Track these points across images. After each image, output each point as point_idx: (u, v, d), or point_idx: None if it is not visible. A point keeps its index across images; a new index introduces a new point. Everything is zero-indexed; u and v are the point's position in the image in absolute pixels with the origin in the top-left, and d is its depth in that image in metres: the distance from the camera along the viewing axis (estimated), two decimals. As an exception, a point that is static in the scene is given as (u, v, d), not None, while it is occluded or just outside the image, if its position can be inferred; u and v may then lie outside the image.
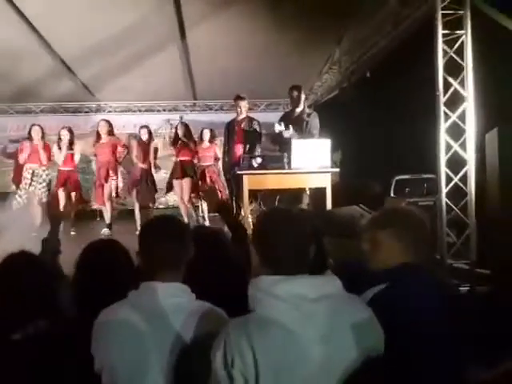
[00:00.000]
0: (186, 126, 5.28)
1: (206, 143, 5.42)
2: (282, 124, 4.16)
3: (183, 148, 5.20)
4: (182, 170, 5.17)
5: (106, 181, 5.10)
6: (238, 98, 4.68)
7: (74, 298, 1.50)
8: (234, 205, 4.41)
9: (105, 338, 1.16)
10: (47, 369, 1.23)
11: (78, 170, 5.50)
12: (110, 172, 5.14)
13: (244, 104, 4.64)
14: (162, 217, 1.37)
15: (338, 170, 4.06)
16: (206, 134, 5.42)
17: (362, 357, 1.00)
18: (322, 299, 1.00)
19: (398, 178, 5.69)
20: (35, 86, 6.05)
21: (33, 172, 5.10)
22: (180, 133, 5.19)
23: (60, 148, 5.17)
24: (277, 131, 4.21)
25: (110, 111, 7.42)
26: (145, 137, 5.30)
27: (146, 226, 1.31)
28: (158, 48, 5.11)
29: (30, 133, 5.21)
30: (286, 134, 4.13)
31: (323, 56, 5.70)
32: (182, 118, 5.72)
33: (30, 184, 5.06)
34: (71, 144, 5.21)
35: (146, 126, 5.44)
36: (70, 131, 5.26)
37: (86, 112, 7.45)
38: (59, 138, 5.19)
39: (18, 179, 5.30)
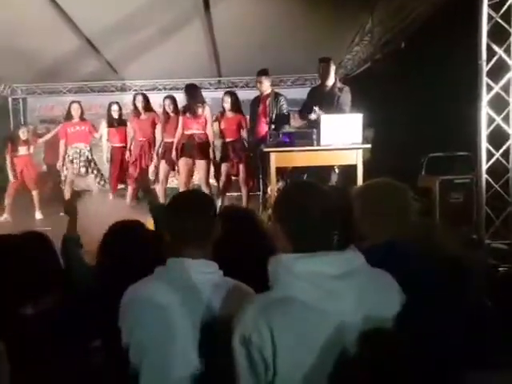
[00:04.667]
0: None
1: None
2: (317, 109, 3.97)
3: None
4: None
5: (146, 160, 5.05)
6: (258, 72, 4.54)
7: (97, 274, 1.52)
8: (261, 183, 4.36)
9: (133, 312, 1.15)
10: (61, 342, 1.25)
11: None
12: (151, 149, 5.06)
13: (264, 79, 4.47)
14: (188, 192, 1.35)
15: (369, 146, 3.89)
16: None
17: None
18: (346, 276, 0.96)
19: (430, 155, 5.45)
20: (61, 65, 6.07)
21: (79, 151, 5.22)
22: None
23: (113, 126, 5.16)
24: (312, 119, 4.04)
25: (135, 90, 7.41)
26: (169, 108, 4.94)
27: (173, 201, 1.29)
28: (182, 24, 5.00)
29: (69, 111, 5.30)
30: (313, 116, 3.99)
31: (354, 27, 5.43)
32: None
33: (73, 163, 5.20)
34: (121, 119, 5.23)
35: (171, 96, 5.07)
36: (120, 106, 5.30)
37: (112, 91, 7.48)
38: (109, 115, 5.21)
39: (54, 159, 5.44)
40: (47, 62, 5.94)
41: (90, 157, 5.30)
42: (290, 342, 0.93)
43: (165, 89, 7.44)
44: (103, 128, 5.30)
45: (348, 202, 1.58)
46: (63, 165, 5.30)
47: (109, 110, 5.28)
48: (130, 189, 5.25)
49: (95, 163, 5.37)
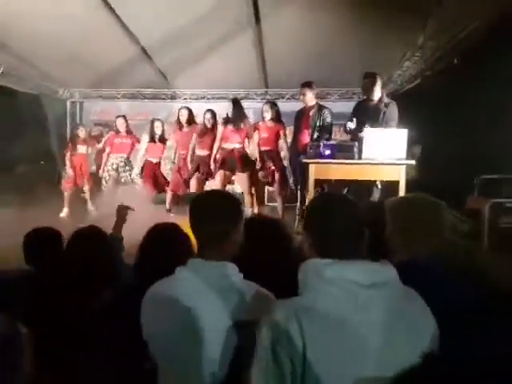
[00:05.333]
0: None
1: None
2: (354, 120, 3.97)
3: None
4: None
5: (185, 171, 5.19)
6: (302, 85, 4.56)
7: (135, 272, 1.57)
8: (299, 194, 4.35)
9: (152, 310, 1.17)
10: (122, 334, 1.28)
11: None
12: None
13: (308, 91, 4.49)
14: (210, 192, 1.37)
15: (413, 162, 3.77)
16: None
17: (418, 349, 0.94)
18: (376, 286, 0.96)
19: (483, 176, 5.18)
20: (117, 72, 6.42)
21: (124, 161, 5.57)
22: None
23: (154, 141, 5.43)
24: (348, 129, 4.06)
25: (185, 98, 7.72)
26: (209, 122, 5.02)
27: (195, 201, 1.27)
28: (232, 35, 5.15)
29: (115, 125, 5.69)
30: (351, 126, 3.96)
31: (405, 42, 5.33)
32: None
33: (117, 172, 5.54)
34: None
35: (211, 110, 5.15)
36: (163, 124, 5.57)
37: (163, 99, 7.81)
38: (153, 131, 5.47)
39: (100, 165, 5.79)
40: (104, 69, 6.33)
41: (127, 166, 5.62)
42: (319, 348, 0.92)
43: (213, 98, 7.68)
44: (144, 142, 5.54)
45: (382, 215, 1.56)
46: (103, 171, 5.66)
47: (151, 126, 5.53)
48: (169, 195, 5.38)
49: (133, 174, 5.66)
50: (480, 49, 4.18)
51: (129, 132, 5.76)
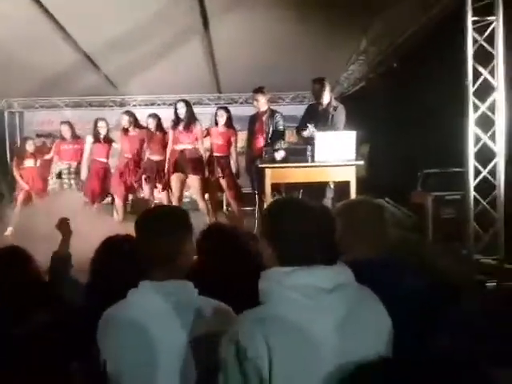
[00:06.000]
0: None
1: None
2: (310, 128, 4.09)
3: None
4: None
5: (133, 175, 5.10)
6: (254, 90, 4.66)
7: (87, 293, 1.53)
8: (257, 198, 4.44)
9: (108, 336, 1.15)
10: (48, 358, 1.24)
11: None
12: (136, 167, 5.12)
13: (261, 97, 4.59)
14: (153, 210, 1.32)
15: (362, 162, 3.99)
16: None
17: (376, 348, 0.99)
18: (337, 289, 0.97)
19: (425, 171, 5.55)
20: (59, 80, 6.16)
21: (68, 168, 5.36)
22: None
23: (99, 141, 5.25)
24: (304, 135, 4.17)
25: (134, 105, 7.55)
26: (152, 126, 4.95)
27: (138, 222, 1.21)
28: (182, 40, 5.12)
29: (60, 132, 5.48)
30: (306, 134, 4.12)
31: (350, 46, 5.58)
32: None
33: (61, 178, 5.34)
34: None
35: (153, 114, 5.09)
36: (107, 123, 5.35)
37: (111, 106, 7.59)
38: (97, 131, 5.28)
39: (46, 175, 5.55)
40: (45, 77, 6.04)
41: (75, 175, 5.38)
42: (286, 359, 0.92)
43: (164, 104, 7.55)
44: (89, 143, 5.39)
45: (331, 220, 1.66)
46: (51, 178, 5.44)
47: (95, 125, 5.35)
48: (117, 202, 5.21)
49: (79, 180, 5.42)
50: (417, 53, 4.50)
51: (75, 137, 5.51)
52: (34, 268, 1.56)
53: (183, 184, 4.85)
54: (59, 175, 5.37)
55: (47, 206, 4.31)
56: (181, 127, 4.70)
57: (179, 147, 4.75)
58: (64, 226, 1.98)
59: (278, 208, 1.12)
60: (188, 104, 4.80)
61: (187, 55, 5.45)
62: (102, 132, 5.31)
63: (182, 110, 4.68)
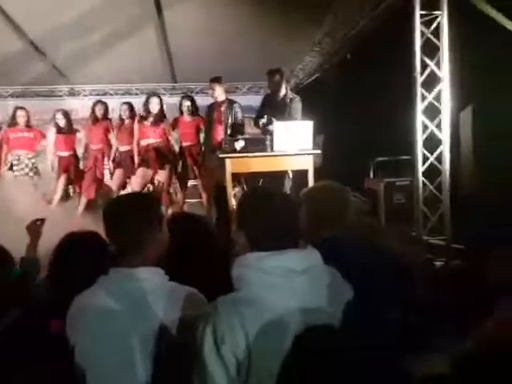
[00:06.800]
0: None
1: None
2: (265, 117, 4.15)
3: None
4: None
5: (101, 169, 4.96)
6: (210, 80, 4.63)
7: (48, 285, 1.49)
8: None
9: (79, 322, 1.13)
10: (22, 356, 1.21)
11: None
12: (105, 158, 4.99)
13: (217, 86, 4.57)
14: (121, 198, 1.33)
15: (319, 151, 4.10)
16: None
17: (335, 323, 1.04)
18: (307, 271, 1.02)
19: (377, 159, 5.82)
20: (2, 68, 5.75)
21: (18, 159, 4.99)
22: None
23: (61, 133, 5.00)
24: (260, 125, 4.22)
25: (85, 95, 7.24)
26: (126, 114, 4.89)
27: (106, 210, 1.22)
28: (135, 27, 4.95)
29: (14, 117, 5.06)
30: (263, 121, 4.17)
31: (305, 37, 5.66)
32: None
33: (13, 171, 4.95)
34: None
35: (128, 103, 5.01)
36: (67, 114, 5.11)
37: (59, 96, 7.23)
38: (55, 122, 5.03)
39: None
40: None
41: (31, 165, 5.07)
42: (262, 341, 0.93)
43: (116, 94, 7.31)
44: (51, 135, 5.10)
45: (295, 206, 1.71)
46: (3, 172, 5.06)
47: (54, 118, 5.10)
48: (83, 199, 5.03)
49: (37, 172, 5.12)
50: (369, 44, 4.67)
51: (29, 126, 5.13)
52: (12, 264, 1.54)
53: (147, 179, 4.80)
54: (10, 167, 4.97)
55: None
56: (148, 122, 4.66)
57: (146, 141, 4.70)
58: (33, 228, 1.91)
59: (247, 198, 1.18)
60: (161, 100, 4.79)
61: (141, 44, 5.28)
62: (61, 124, 4.98)
63: (155, 106, 4.68)
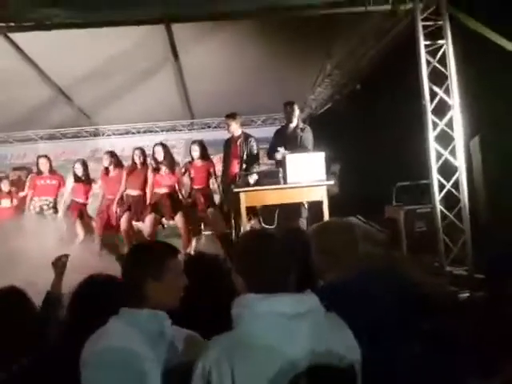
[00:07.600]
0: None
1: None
2: (281, 151, 4.21)
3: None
4: None
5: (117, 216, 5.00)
6: (226, 116, 4.76)
7: (64, 333, 1.51)
8: (233, 222, 4.47)
9: (95, 366, 1.13)
10: None
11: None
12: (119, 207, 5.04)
13: (233, 122, 4.68)
14: (139, 246, 1.37)
15: (332, 182, 4.09)
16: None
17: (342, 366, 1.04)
18: (301, 316, 1.04)
19: (398, 184, 5.72)
20: (33, 114, 6.17)
21: (45, 204, 5.22)
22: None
23: (78, 181, 5.18)
24: (277, 158, 4.28)
25: (108, 135, 7.57)
26: (140, 159, 4.96)
27: (127, 254, 1.33)
28: (153, 71, 5.24)
29: (37, 165, 5.35)
30: (278, 157, 4.21)
31: (315, 69, 5.79)
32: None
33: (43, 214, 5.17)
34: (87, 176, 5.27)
35: (141, 148, 5.10)
36: (85, 164, 5.30)
37: (85, 137, 7.58)
38: (73, 171, 5.22)
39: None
40: (18, 112, 6.02)
41: (52, 209, 5.26)
42: (250, 378, 0.97)
43: (138, 132, 7.61)
44: (69, 183, 5.30)
45: (305, 242, 1.69)
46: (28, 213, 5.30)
47: (73, 168, 5.29)
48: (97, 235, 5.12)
49: (56, 211, 5.26)
50: (378, 74, 4.72)
51: (53, 172, 5.41)
52: (30, 308, 1.58)
53: (156, 225, 4.89)
54: (41, 210, 5.20)
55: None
56: (162, 172, 4.80)
57: (161, 190, 4.81)
58: (58, 264, 1.97)
59: (241, 239, 1.21)
60: (165, 147, 4.91)
61: (159, 85, 5.54)
62: (78, 173, 5.18)
63: (160, 155, 4.80)
